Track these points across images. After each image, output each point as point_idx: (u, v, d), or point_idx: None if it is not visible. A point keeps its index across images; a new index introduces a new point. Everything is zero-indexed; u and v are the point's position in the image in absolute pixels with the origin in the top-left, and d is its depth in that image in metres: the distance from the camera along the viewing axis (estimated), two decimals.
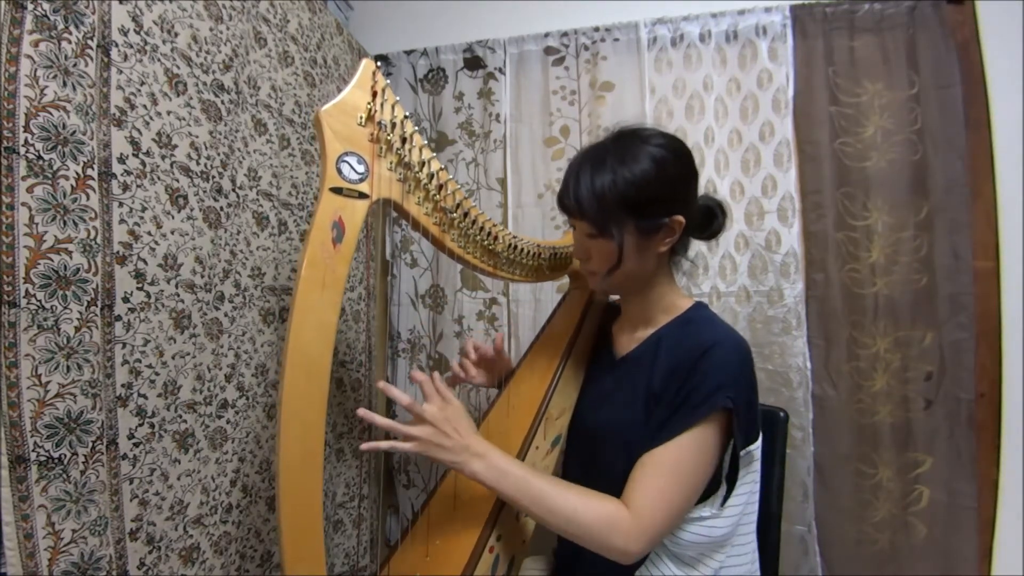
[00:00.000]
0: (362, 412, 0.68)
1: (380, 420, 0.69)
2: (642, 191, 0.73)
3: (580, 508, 0.69)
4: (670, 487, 0.69)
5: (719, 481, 0.74)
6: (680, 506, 0.70)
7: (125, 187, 0.73)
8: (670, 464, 0.70)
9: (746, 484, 0.77)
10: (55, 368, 0.62)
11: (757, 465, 0.79)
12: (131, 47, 0.75)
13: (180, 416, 0.82)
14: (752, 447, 0.76)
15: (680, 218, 0.76)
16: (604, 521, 0.68)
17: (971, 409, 1.21)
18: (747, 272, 1.33)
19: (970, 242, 1.22)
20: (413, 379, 0.74)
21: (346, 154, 0.68)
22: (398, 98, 0.73)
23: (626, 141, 0.77)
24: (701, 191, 0.85)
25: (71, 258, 0.64)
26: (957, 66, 1.23)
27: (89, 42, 0.67)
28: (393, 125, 0.72)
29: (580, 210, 0.76)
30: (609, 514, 0.69)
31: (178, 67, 0.82)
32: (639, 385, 0.79)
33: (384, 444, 0.71)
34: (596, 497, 0.71)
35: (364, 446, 0.71)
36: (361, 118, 0.70)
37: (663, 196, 0.75)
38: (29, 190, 0.60)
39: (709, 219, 0.85)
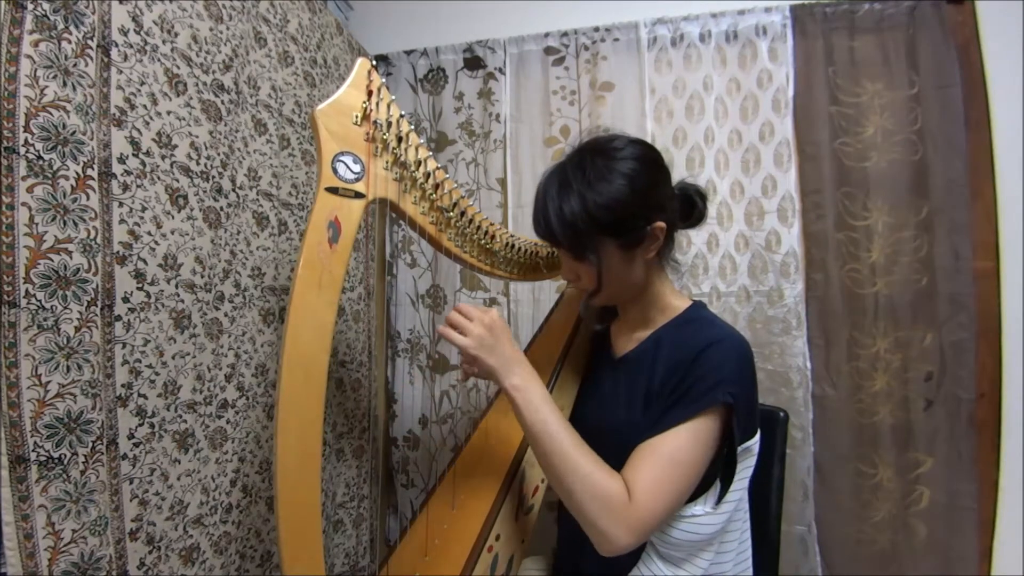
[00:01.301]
0: (440, 329, 0.75)
1: (444, 330, 0.74)
2: (615, 212, 0.72)
3: (593, 473, 0.68)
4: (666, 476, 0.68)
5: (711, 478, 0.74)
6: (675, 497, 0.69)
7: (125, 187, 0.73)
8: (667, 453, 0.69)
9: (740, 481, 0.77)
10: (55, 368, 0.63)
11: (752, 461, 0.79)
12: (131, 47, 0.75)
13: (180, 416, 0.82)
14: (749, 442, 0.76)
15: (661, 224, 0.75)
16: (603, 497, 0.67)
17: (971, 409, 1.21)
18: (747, 272, 1.32)
19: (970, 242, 1.22)
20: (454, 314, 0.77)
21: (342, 154, 0.68)
22: (394, 97, 0.73)
23: (589, 159, 0.74)
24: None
25: (71, 258, 0.64)
26: (957, 66, 1.23)
27: (89, 42, 0.67)
28: (389, 124, 0.72)
29: (554, 239, 0.76)
30: (614, 494, 0.67)
31: (178, 67, 0.83)
32: (638, 386, 0.79)
33: (445, 329, 0.74)
34: (607, 471, 0.69)
35: (439, 328, 0.76)
36: (356, 117, 0.70)
37: (639, 210, 0.73)
38: (29, 190, 0.61)
39: (690, 207, 0.84)
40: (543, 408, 0.71)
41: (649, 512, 0.67)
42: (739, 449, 0.72)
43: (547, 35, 1.45)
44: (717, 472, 0.74)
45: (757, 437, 0.77)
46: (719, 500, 0.74)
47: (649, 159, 0.76)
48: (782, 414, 1.02)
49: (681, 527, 0.73)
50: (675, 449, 0.69)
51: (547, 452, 0.70)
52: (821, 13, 1.29)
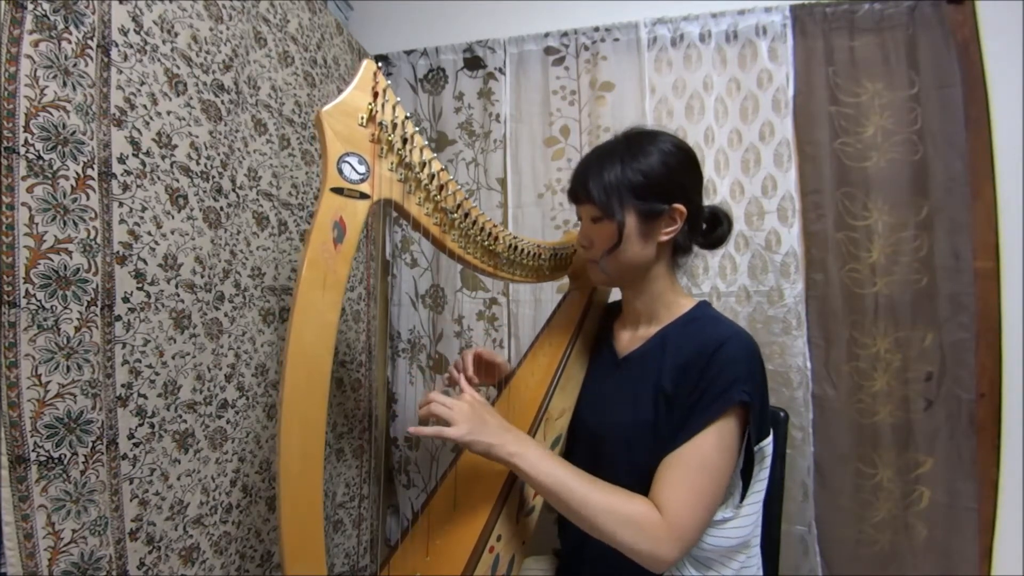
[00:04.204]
0: (412, 430, 0.71)
1: (426, 430, 0.72)
2: (647, 176, 0.78)
3: (612, 503, 0.69)
4: (699, 484, 0.69)
5: (732, 481, 0.74)
6: (711, 504, 0.70)
7: (125, 187, 0.73)
8: (697, 461, 0.69)
9: (760, 482, 0.78)
10: (55, 368, 0.62)
11: (768, 462, 0.79)
12: (131, 47, 0.75)
13: (180, 416, 0.82)
14: (764, 443, 0.76)
15: (681, 207, 0.78)
16: (631, 520, 0.67)
17: (971, 409, 1.21)
18: (747, 272, 1.32)
19: (970, 242, 1.22)
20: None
21: (347, 155, 0.68)
22: (399, 99, 0.73)
23: (636, 138, 0.82)
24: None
25: (71, 258, 0.64)
26: (957, 66, 1.23)
27: (89, 42, 0.67)
28: (394, 126, 0.72)
29: (587, 192, 0.80)
30: (641, 515, 0.68)
31: (178, 67, 0.82)
32: (645, 385, 0.79)
33: (428, 429, 0.72)
34: (626, 496, 0.70)
35: (410, 429, 0.73)
36: (362, 119, 0.70)
37: (666, 184, 0.78)
38: (29, 190, 0.60)
39: (713, 225, 0.87)
40: (545, 465, 0.72)
41: (688, 522, 0.68)
42: (755, 449, 0.73)
43: (547, 35, 1.45)
44: (736, 471, 0.74)
45: (770, 439, 0.78)
46: (741, 500, 0.74)
47: (686, 151, 0.83)
48: (782, 414, 1.02)
49: (714, 533, 0.74)
50: (701, 456, 0.70)
51: (564, 501, 0.70)
52: (821, 13, 1.29)
